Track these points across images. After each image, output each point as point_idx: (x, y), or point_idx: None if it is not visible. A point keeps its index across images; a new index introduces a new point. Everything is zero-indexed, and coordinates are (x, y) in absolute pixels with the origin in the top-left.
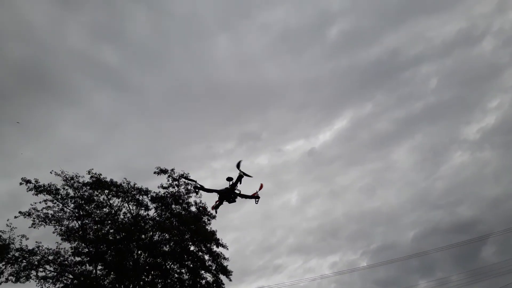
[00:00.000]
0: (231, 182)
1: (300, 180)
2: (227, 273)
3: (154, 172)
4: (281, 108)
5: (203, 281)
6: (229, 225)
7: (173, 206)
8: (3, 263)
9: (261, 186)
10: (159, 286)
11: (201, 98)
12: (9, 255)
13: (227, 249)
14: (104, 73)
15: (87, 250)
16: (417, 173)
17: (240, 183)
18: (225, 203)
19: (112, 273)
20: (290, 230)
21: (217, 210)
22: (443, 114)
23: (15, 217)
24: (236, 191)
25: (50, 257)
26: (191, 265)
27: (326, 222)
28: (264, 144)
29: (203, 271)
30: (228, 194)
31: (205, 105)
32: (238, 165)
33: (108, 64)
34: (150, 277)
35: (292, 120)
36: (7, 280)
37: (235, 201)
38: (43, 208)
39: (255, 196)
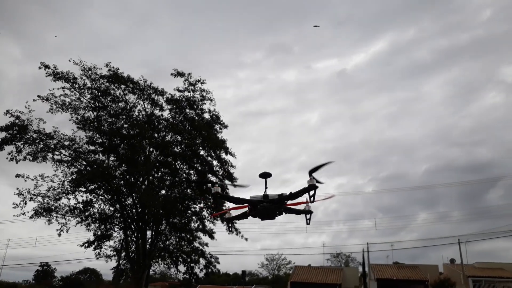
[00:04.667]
0: (289, 192)
1: (324, 101)
2: (232, 179)
3: (171, 74)
4: (319, 20)
5: (210, 184)
6: (246, 136)
7: (187, 110)
8: (22, 142)
9: (331, 196)
10: (167, 183)
11: None
12: (27, 136)
13: (235, 157)
14: None
15: (101, 140)
16: (445, 108)
17: (313, 198)
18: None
19: (123, 165)
20: (304, 148)
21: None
22: (488, 50)
23: (34, 100)
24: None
25: (66, 143)
26: (200, 168)
27: (341, 145)
28: (295, 59)
29: (210, 175)
30: (270, 209)
31: (239, 6)
32: (314, 170)
33: None
34: (159, 173)
35: (329, 35)
36: (25, 158)
37: (273, 218)
38: (61, 95)
39: (307, 211)
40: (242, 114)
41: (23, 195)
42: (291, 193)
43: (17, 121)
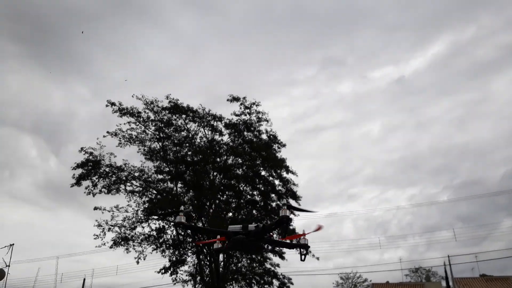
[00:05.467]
0: (264, 222)
1: (384, 110)
2: (296, 197)
3: (227, 100)
4: (370, 29)
5: (274, 203)
6: (305, 153)
7: (245, 133)
8: (96, 176)
9: (318, 228)
10: (233, 205)
11: (284, 18)
12: (101, 170)
13: (297, 175)
14: None
15: (168, 169)
16: None
17: (285, 233)
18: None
19: (191, 191)
20: (368, 160)
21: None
22: None
23: (104, 136)
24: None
25: (136, 174)
26: (262, 189)
27: (408, 155)
28: (349, 70)
29: (273, 195)
30: (245, 243)
31: (287, 26)
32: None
33: None
34: (224, 196)
35: (382, 43)
36: (100, 191)
37: (258, 253)
38: (127, 129)
39: (302, 245)
40: (300, 131)
41: (101, 226)
42: (263, 225)
43: (90, 157)
